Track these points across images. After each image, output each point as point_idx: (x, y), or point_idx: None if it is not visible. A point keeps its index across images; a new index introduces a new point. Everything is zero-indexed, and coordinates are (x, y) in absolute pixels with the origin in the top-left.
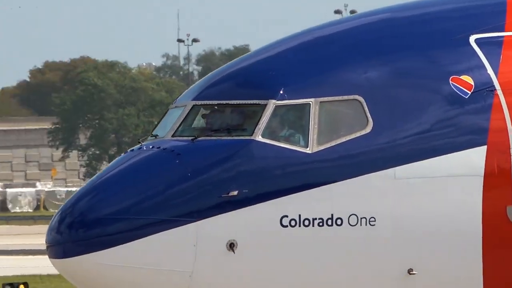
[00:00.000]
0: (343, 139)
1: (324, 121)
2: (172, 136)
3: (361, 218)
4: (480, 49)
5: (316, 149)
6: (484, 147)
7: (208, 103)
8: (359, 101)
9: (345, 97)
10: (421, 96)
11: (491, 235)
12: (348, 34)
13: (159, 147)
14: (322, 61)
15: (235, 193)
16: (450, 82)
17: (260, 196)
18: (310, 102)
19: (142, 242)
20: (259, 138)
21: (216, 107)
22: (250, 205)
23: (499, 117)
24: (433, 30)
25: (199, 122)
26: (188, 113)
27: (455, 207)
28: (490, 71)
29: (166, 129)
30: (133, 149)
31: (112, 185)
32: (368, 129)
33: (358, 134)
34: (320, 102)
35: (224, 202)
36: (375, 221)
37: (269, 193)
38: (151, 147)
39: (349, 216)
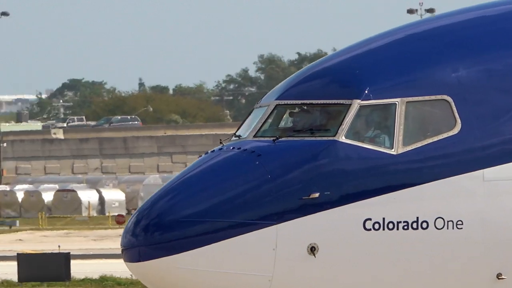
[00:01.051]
0: (430, 140)
1: (410, 121)
2: (254, 136)
3: (448, 221)
4: None
5: (401, 150)
6: None
7: (291, 102)
8: (447, 101)
9: (433, 97)
10: None
11: None
12: (435, 33)
13: (240, 148)
14: (408, 61)
15: (316, 195)
16: None
17: (342, 198)
18: (396, 102)
19: (220, 246)
20: (342, 138)
21: (299, 107)
22: (332, 208)
23: None
24: None
25: (282, 122)
26: (271, 113)
27: None
28: None
29: (249, 129)
30: (213, 150)
31: (189, 187)
32: (456, 130)
33: (445, 135)
34: (407, 102)
35: (305, 204)
36: (462, 224)
37: (351, 195)
38: (231, 148)
39: (436, 219)
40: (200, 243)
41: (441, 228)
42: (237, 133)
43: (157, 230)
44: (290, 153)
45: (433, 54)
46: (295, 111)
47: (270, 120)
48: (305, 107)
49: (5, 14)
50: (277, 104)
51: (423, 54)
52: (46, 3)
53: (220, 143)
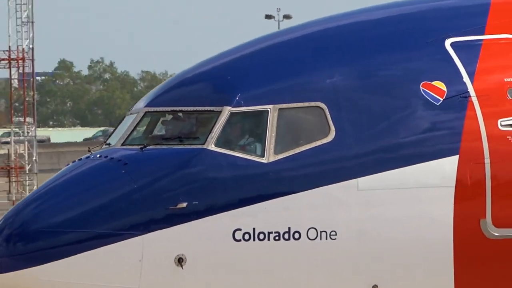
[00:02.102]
0: (302, 148)
1: (283, 129)
2: (122, 144)
3: (321, 232)
4: (456, 54)
5: (272, 158)
6: (456, 157)
7: (160, 109)
8: (321, 108)
9: (307, 104)
10: (389, 103)
11: (463, 249)
12: (309, 39)
13: (106, 156)
14: (282, 67)
15: (184, 205)
16: (421, 88)
17: (211, 208)
18: (268, 109)
19: (83, 257)
20: (211, 146)
21: (169, 114)
22: (200, 218)
23: (473, 126)
24: (405, 32)
25: (152, 130)
26: (140, 120)
27: (424, 219)
28: (465, 77)
29: (118, 137)
30: (81, 158)
31: (53, 196)
32: (330, 137)
33: (319, 143)
34: (279, 109)
35: (172, 214)
36: (336, 234)
37: (221, 205)
38: (98, 156)
39: (308, 230)
40: (64, 254)
41: (314, 239)
42: (107, 141)
43: (18, 241)
44: (157, 161)
45: (307, 60)
46: (166, 118)
47: (139, 128)
48: (175, 115)
49: None
50: (146, 111)
51: (297, 60)
52: None
53: (89, 151)
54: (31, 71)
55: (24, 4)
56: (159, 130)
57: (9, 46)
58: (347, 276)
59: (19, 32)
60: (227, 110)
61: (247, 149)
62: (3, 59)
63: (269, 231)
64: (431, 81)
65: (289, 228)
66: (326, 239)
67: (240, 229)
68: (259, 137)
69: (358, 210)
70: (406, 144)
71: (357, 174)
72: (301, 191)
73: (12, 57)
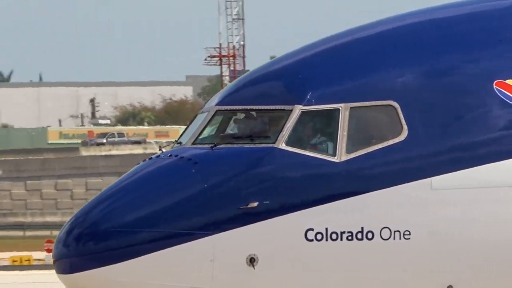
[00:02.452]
0: (375, 147)
1: (354, 128)
2: (193, 143)
3: (394, 231)
4: None
5: (344, 157)
6: None
7: (231, 108)
8: (394, 107)
9: (379, 103)
10: (462, 102)
11: None
12: (381, 37)
13: (177, 155)
14: (353, 65)
15: (255, 204)
16: (494, 86)
17: (282, 208)
18: (340, 108)
19: (154, 257)
20: (282, 145)
21: (240, 113)
22: (271, 218)
23: None
24: (479, 30)
25: (224, 129)
26: (211, 119)
27: (499, 220)
28: None
29: (189, 136)
30: (151, 158)
31: (123, 195)
32: (403, 136)
33: (391, 142)
34: (351, 107)
35: (243, 214)
36: (410, 234)
37: (292, 204)
38: (169, 155)
39: (381, 229)
40: (134, 254)
41: (388, 239)
42: (178, 140)
43: (89, 240)
44: (227, 160)
45: (379, 59)
46: (238, 117)
47: (210, 127)
48: (246, 113)
49: None
50: (217, 110)
51: (369, 58)
52: None
53: (160, 150)
54: (242, 68)
55: (234, 1)
56: (231, 129)
57: (220, 44)
58: (421, 276)
59: (230, 29)
60: (298, 109)
61: (318, 148)
62: (214, 56)
63: (342, 230)
64: (505, 80)
65: (362, 228)
66: (400, 239)
67: (312, 229)
68: (330, 136)
69: (431, 209)
70: (480, 143)
71: (430, 173)
72: (374, 191)
73: (223, 54)
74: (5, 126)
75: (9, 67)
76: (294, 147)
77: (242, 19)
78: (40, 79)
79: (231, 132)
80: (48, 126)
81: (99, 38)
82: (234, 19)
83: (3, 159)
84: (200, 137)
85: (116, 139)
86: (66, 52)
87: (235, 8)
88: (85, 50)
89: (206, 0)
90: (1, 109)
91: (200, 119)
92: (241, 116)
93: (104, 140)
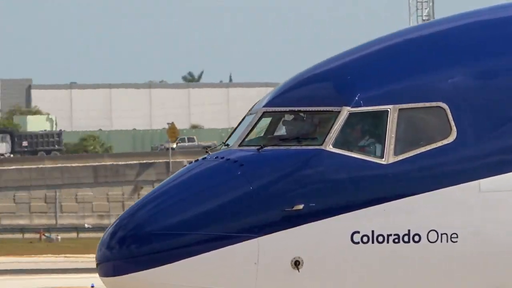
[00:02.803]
0: (423, 149)
1: (403, 129)
2: (239, 145)
3: (441, 234)
4: None
5: (392, 159)
6: None
7: (278, 109)
8: (443, 109)
9: (428, 104)
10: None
11: None
12: (430, 39)
13: (223, 157)
14: (402, 67)
15: (301, 207)
16: None
17: (328, 210)
18: (388, 109)
19: (199, 260)
20: (329, 147)
21: (288, 114)
22: (317, 220)
23: None
24: None
25: (273, 130)
26: (258, 120)
27: None
28: None
29: (236, 137)
30: (197, 160)
31: (168, 198)
32: (451, 138)
33: (439, 144)
34: (399, 109)
35: (289, 216)
36: (457, 237)
37: (338, 207)
38: (215, 157)
39: (429, 232)
40: (178, 257)
41: (435, 242)
42: (226, 142)
43: (133, 243)
44: (273, 162)
45: (428, 60)
46: (286, 119)
47: (257, 128)
48: (294, 115)
49: None
50: (264, 112)
51: (418, 60)
52: None
53: (206, 152)
54: None
55: (425, 1)
56: (274, 131)
57: None
58: (469, 279)
59: None
60: (346, 111)
61: (366, 150)
62: None
63: (388, 233)
64: None
65: (409, 231)
66: (447, 241)
67: (358, 232)
68: (378, 138)
69: (479, 212)
70: None
71: (478, 175)
72: (421, 193)
73: None
74: (194, 127)
75: (200, 67)
76: (342, 149)
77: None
78: (230, 79)
79: (278, 134)
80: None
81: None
82: (424, 20)
83: None
84: (247, 139)
85: (186, 143)
86: (255, 53)
87: (425, 9)
88: (274, 50)
89: (397, 1)
90: (191, 109)
91: (248, 120)
92: (289, 117)
93: (174, 146)
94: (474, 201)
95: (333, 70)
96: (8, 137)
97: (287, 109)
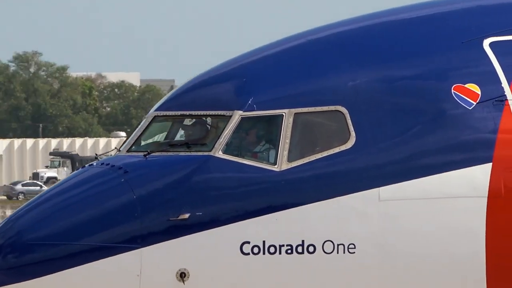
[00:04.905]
0: (319, 156)
1: (298, 135)
2: (127, 151)
3: (338, 245)
4: (494, 54)
5: (285, 166)
6: (489, 165)
7: (169, 113)
8: (342, 113)
9: (326, 108)
10: (415, 107)
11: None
12: (330, 41)
13: (108, 164)
14: (299, 70)
15: (186, 216)
16: (452, 91)
17: (216, 220)
18: (283, 114)
19: (78, 271)
20: (219, 153)
21: (179, 119)
22: (204, 230)
23: (508, 131)
24: (438, 32)
25: (173, 136)
26: (148, 125)
27: (451, 231)
28: (502, 79)
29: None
30: (84, 166)
31: (49, 206)
32: (350, 144)
33: (337, 150)
34: (295, 113)
35: (173, 226)
36: (355, 248)
37: (227, 216)
38: (101, 164)
39: (324, 243)
40: (57, 268)
41: (330, 253)
42: (120, 148)
43: (8, 253)
44: (159, 169)
45: (327, 63)
46: (174, 124)
47: (147, 134)
48: (184, 119)
49: None
50: (155, 115)
51: (316, 62)
52: None
53: (96, 158)
54: None
55: None
56: (164, 136)
57: None
58: None
59: None
60: (237, 115)
61: (258, 156)
62: None
63: (281, 244)
64: (464, 84)
65: (303, 241)
66: (344, 252)
67: (248, 242)
68: (271, 143)
69: (379, 222)
70: (431, 152)
71: (378, 183)
72: (317, 201)
73: None
74: None
75: None
76: (232, 155)
77: None
78: None
79: (166, 139)
80: None
81: None
82: None
83: None
84: (136, 144)
85: None
86: None
87: None
88: None
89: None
90: None
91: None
92: (188, 122)
93: None
94: (373, 210)
95: (228, 73)
96: (68, 162)
97: (179, 113)
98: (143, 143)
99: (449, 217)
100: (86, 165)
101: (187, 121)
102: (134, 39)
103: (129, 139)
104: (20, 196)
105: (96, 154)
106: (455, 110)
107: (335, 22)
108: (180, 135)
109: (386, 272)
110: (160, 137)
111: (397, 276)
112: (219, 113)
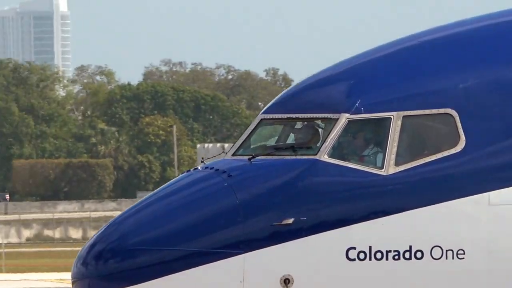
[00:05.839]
0: (427, 159)
1: (406, 138)
2: (233, 154)
3: (446, 250)
4: None
5: (392, 170)
6: None
7: (276, 116)
8: (452, 116)
9: (435, 111)
10: None
11: None
12: (438, 43)
13: (212, 168)
14: (407, 72)
15: (290, 221)
16: None
17: (321, 225)
18: (391, 117)
19: (181, 276)
20: (325, 157)
21: (285, 122)
22: (308, 235)
23: None
24: None
25: (285, 139)
26: (255, 128)
27: None
28: None
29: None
30: (189, 170)
31: (152, 211)
32: (459, 147)
33: (446, 153)
34: (403, 116)
35: (277, 231)
36: (464, 253)
37: (332, 221)
38: (205, 167)
39: (432, 248)
40: (159, 274)
41: (439, 258)
42: (227, 151)
43: (110, 259)
44: (264, 173)
45: (435, 65)
46: (288, 127)
47: (254, 137)
48: (291, 122)
49: None
50: (262, 119)
51: (424, 65)
52: None
53: (202, 161)
54: None
55: None
56: (271, 139)
57: None
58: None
59: None
60: (344, 118)
61: (365, 160)
62: None
63: (388, 249)
64: None
65: (410, 247)
66: (453, 258)
67: (354, 248)
68: (379, 147)
69: (488, 226)
70: None
71: (488, 187)
72: (424, 206)
73: None
74: None
75: None
76: (338, 159)
77: None
78: None
79: (272, 142)
80: None
81: None
82: None
83: None
84: (242, 148)
85: None
86: None
87: None
88: None
89: None
90: None
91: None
92: (284, 125)
93: None
94: (483, 215)
95: (334, 76)
96: None
97: (285, 116)
98: (252, 146)
99: None
100: (191, 169)
101: (298, 124)
102: None
103: (236, 142)
104: None
105: (202, 158)
106: None
107: (444, 24)
108: (288, 138)
109: (495, 278)
110: (270, 141)
111: (507, 282)
112: (326, 116)
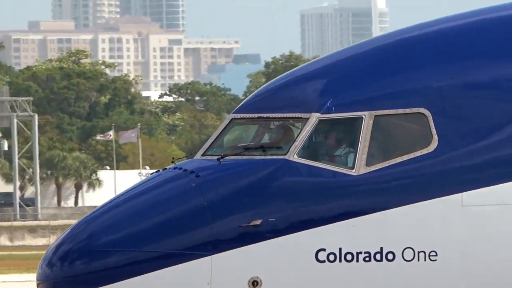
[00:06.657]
0: (399, 159)
1: (377, 138)
2: (202, 155)
3: (418, 252)
4: None
5: (363, 170)
6: None
7: (247, 116)
8: (425, 115)
9: (407, 111)
10: (500, 110)
11: None
12: (411, 42)
13: (181, 168)
14: (380, 71)
15: (258, 222)
16: None
17: (290, 226)
18: (363, 116)
19: (146, 279)
20: (294, 157)
21: (256, 122)
22: (277, 237)
23: None
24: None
25: (259, 140)
26: (225, 128)
27: None
28: None
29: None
30: (158, 170)
31: (118, 212)
32: (432, 147)
33: (418, 153)
34: (375, 115)
35: (245, 233)
36: (436, 255)
37: (302, 222)
38: (174, 168)
39: (404, 250)
40: (126, 275)
41: (411, 260)
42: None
43: (76, 260)
44: (232, 173)
45: (408, 64)
46: (250, 127)
47: (224, 137)
48: (261, 122)
49: None
50: (232, 118)
51: (397, 64)
52: None
53: (172, 162)
54: None
55: None
56: (241, 139)
57: None
58: None
59: None
60: (315, 117)
61: (336, 160)
62: None
63: (358, 251)
64: None
65: (381, 248)
66: (425, 260)
67: (324, 249)
68: (350, 147)
69: (462, 228)
70: None
71: (461, 188)
72: (396, 207)
73: None
74: None
75: None
76: (308, 159)
77: None
78: None
79: (241, 142)
80: None
81: None
82: None
83: None
84: (212, 148)
85: None
86: None
87: None
88: None
89: None
90: None
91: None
92: (254, 125)
93: None
94: (456, 216)
95: (306, 76)
96: None
97: (256, 115)
98: (223, 146)
99: None
100: (161, 169)
101: (272, 124)
102: None
103: (206, 143)
104: None
105: (173, 158)
106: None
107: (417, 24)
108: (262, 139)
109: (468, 280)
110: (243, 142)
111: (480, 284)
112: (297, 116)
